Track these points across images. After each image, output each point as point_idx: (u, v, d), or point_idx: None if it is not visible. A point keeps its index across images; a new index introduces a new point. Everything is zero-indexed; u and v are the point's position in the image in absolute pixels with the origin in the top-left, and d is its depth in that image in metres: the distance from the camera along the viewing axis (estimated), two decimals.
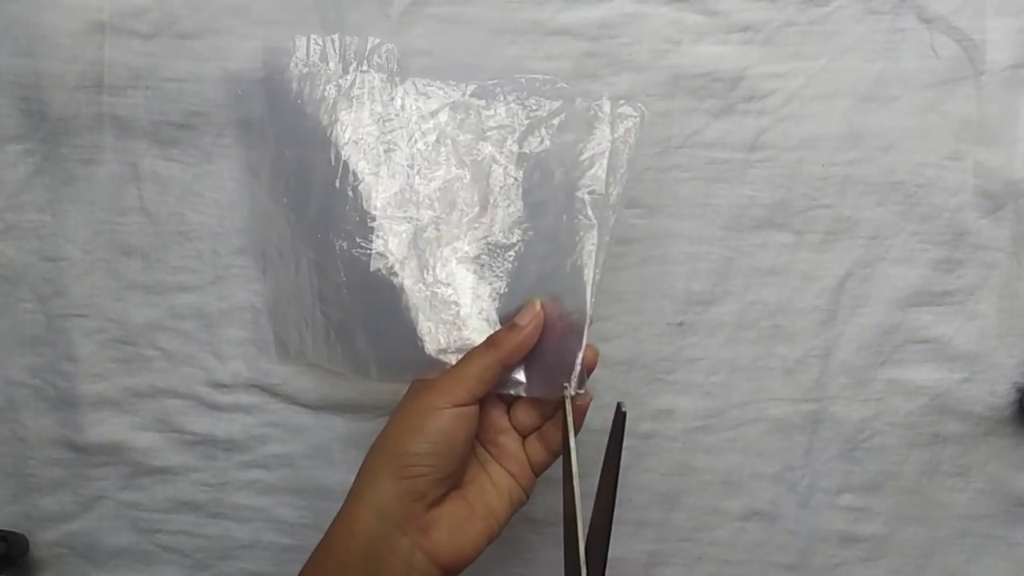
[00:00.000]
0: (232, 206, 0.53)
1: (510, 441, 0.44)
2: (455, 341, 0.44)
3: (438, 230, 0.45)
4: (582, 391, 0.41)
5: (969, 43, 0.52)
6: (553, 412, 0.43)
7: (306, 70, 0.47)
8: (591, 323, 0.42)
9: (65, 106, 0.51)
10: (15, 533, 0.53)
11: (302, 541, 0.54)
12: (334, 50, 0.48)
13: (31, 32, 0.51)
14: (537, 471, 0.44)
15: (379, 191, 0.45)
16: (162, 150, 0.52)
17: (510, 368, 0.42)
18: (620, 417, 0.39)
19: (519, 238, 0.45)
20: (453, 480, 0.41)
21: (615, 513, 0.39)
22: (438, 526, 0.40)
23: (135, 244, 0.53)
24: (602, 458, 0.48)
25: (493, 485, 0.43)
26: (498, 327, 0.44)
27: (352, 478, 0.50)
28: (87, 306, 0.53)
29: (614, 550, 0.52)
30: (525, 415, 0.44)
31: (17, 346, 0.53)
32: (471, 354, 0.42)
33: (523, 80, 0.48)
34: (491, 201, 0.46)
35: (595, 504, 0.39)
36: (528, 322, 0.41)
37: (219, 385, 0.53)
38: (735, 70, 0.52)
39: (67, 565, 0.54)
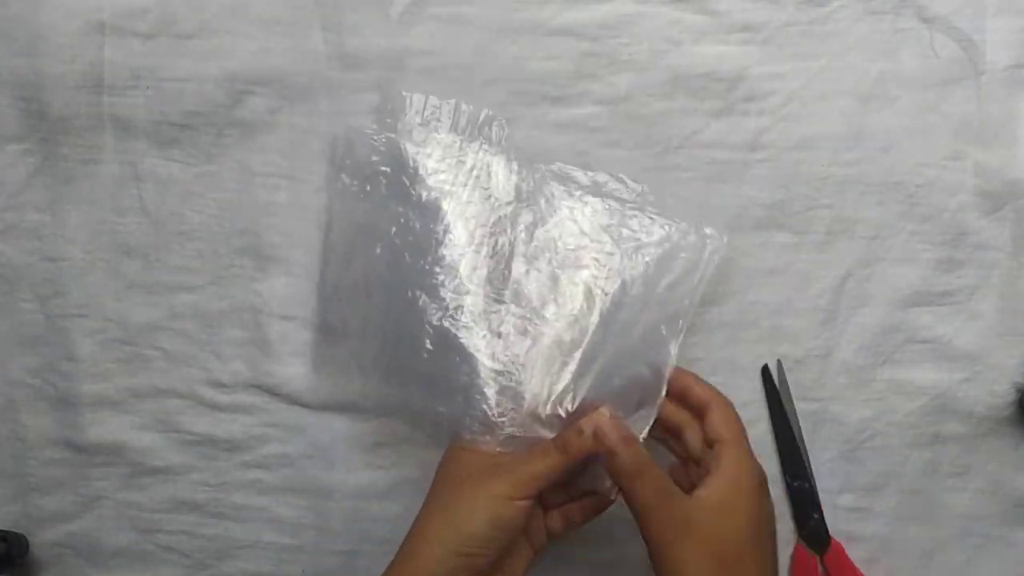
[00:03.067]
0: (232, 206, 0.53)
1: (536, 517, 0.46)
2: (517, 419, 0.45)
3: (523, 319, 0.47)
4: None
5: (969, 43, 0.52)
6: (580, 494, 0.46)
7: (420, 131, 0.48)
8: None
9: (65, 106, 0.51)
10: (15, 533, 0.53)
11: (302, 541, 0.53)
12: (448, 116, 0.49)
13: (31, 32, 0.51)
14: (553, 538, 0.47)
15: (477, 269, 0.46)
16: (162, 150, 0.52)
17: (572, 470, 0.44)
18: (782, 374, 0.46)
19: (595, 337, 0.46)
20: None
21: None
22: None
23: (135, 244, 0.53)
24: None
25: (518, 558, 0.45)
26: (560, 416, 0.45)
27: (353, 478, 0.52)
28: (87, 306, 0.53)
29: (612, 549, 0.52)
30: (554, 495, 0.46)
31: (17, 346, 0.53)
32: (541, 452, 0.43)
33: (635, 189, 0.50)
34: (580, 308, 0.47)
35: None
36: (594, 431, 0.42)
37: (219, 385, 0.53)
38: (735, 70, 0.52)
39: (67, 565, 0.54)
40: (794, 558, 0.52)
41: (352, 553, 0.54)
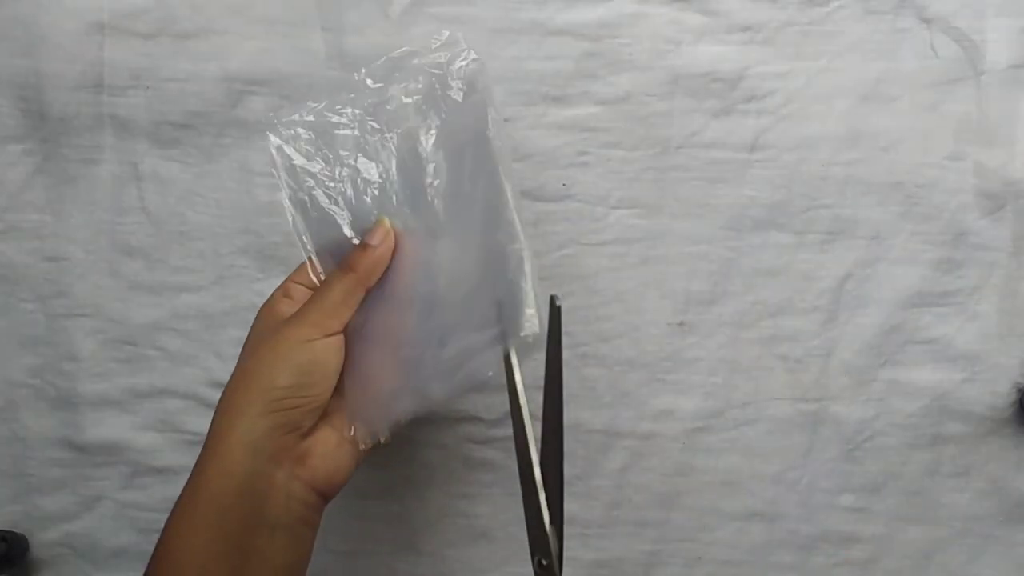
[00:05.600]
0: (233, 206, 0.52)
1: None
2: None
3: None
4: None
5: (969, 43, 0.51)
6: None
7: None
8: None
9: (65, 106, 0.51)
10: (15, 533, 0.53)
11: None
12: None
13: (31, 32, 0.51)
14: None
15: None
16: (162, 150, 0.52)
17: (369, 289, 0.42)
18: (555, 312, 0.39)
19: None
20: (323, 408, 0.41)
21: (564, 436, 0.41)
22: (313, 454, 0.40)
23: (136, 244, 0.53)
24: (598, 455, 0.47)
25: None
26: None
27: (352, 476, 0.50)
28: (88, 306, 0.53)
29: (613, 550, 0.53)
30: None
31: (17, 346, 0.53)
32: (330, 281, 0.41)
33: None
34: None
35: (543, 423, 0.40)
36: (380, 240, 0.42)
37: (220, 385, 0.50)
38: (735, 70, 0.52)
39: (67, 565, 0.54)
40: None
41: (351, 553, 0.53)
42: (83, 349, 0.53)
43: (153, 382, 0.53)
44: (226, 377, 0.50)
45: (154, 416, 0.53)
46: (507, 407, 0.49)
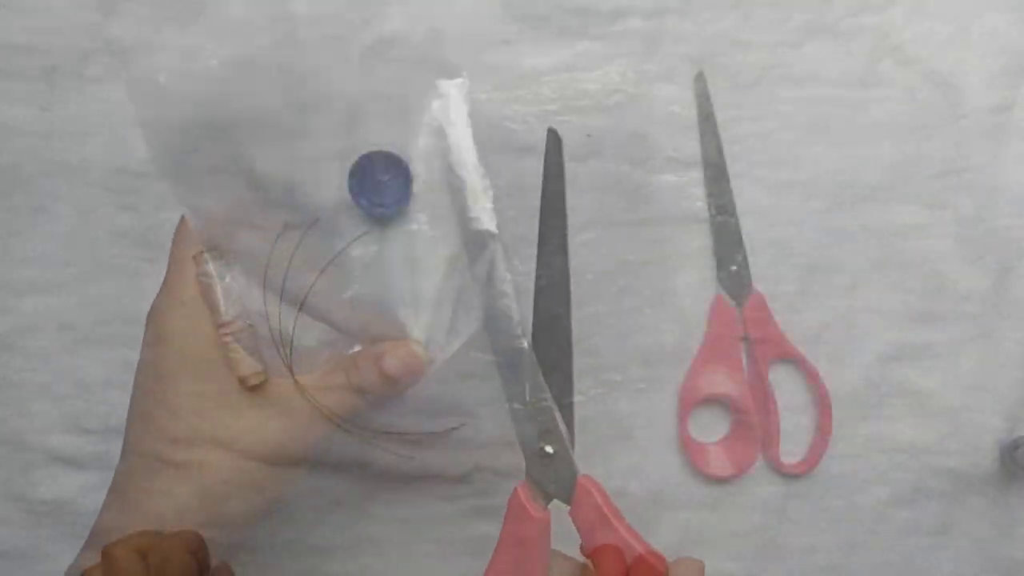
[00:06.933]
0: (105, 167, 0.43)
1: None
2: None
3: None
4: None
5: None
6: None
7: None
8: None
9: None
10: None
11: None
12: None
13: None
14: None
15: None
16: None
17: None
18: (553, 139, 0.35)
19: None
20: None
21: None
22: None
23: None
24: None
25: None
26: None
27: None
28: None
29: None
30: None
31: None
32: (334, 385, 0.37)
33: None
34: None
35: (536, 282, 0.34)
36: (402, 371, 0.37)
37: (84, 431, 0.44)
38: None
39: None
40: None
41: None
42: None
43: None
44: (92, 419, 0.43)
45: None
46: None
